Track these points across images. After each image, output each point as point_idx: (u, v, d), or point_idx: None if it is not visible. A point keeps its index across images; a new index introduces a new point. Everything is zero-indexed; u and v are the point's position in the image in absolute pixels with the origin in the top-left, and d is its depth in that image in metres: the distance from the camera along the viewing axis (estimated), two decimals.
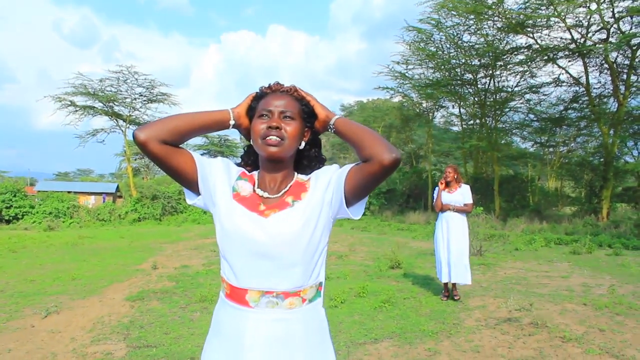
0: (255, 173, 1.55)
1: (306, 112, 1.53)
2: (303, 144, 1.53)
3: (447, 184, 6.63)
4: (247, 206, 1.44)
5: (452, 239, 6.46)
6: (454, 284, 6.50)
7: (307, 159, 1.60)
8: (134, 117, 33.55)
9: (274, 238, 1.38)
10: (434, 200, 6.83)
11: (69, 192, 31.03)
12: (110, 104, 32.13)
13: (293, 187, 1.50)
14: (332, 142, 45.08)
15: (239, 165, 1.62)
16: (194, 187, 1.47)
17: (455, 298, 6.39)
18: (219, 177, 1.48)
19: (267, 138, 1.43)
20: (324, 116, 1.51)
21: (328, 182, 1.47)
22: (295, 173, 1.56)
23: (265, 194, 1.47)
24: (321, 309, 1.50)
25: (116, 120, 33.16)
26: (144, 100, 33.53)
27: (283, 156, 1.46)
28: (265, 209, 1.43)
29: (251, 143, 1.54)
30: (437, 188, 6.82)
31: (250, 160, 1.60)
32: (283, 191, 1.48)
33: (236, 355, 1.37)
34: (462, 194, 6.55)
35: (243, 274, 1.39)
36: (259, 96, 1.53)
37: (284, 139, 1.44)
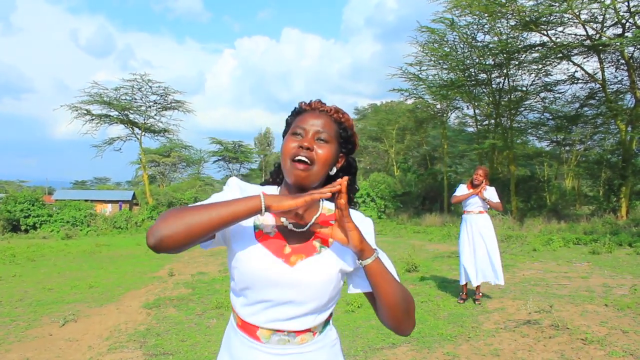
0: (275, 194, 1.45)
1: (343, 137, 1.44)
2: (335, 170, 1.44)
3: (473, 186, 6.57)
4: (272, 249, 1.34)
5: (486, 242, 6.44)
6: (477, 287, 6.43)
7: None
8: (149, 124, 33.86)
9: (298, 287, 1.31)
10: (454, 193, 6.80)
11: (86, 200, 31.33)
12: (126, 112, 32.43)
13: (320, 220, 1.41)
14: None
15: (264, 183, 1.55)
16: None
17: (477, 302, 6.31)
18: None
19: (296, 159, 1.33)
20: (358, 246, 1.28)
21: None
22: (322, 201, 1.47)
23: (290, 225, 1.39)
24: (332, 333, 1.45)
25: (132, 128, 33.45)
26: (159, 108, 33.81)
27: (309, 183, 1.35)
28: (290, 252, 1.34)
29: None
30: (460, 185, 6.79)
31: (278, 178, 1.53)
32: (309, 224, 1.39)
33: None
34: (489, 196, 6.53)
35: (257, 314, 1.34)
36: (297, 112, 1.46)
37: (313, 164, 1.34)
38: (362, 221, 1.44)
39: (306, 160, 1.33)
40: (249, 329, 1.35)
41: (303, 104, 1.46)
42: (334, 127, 1.42)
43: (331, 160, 1.39)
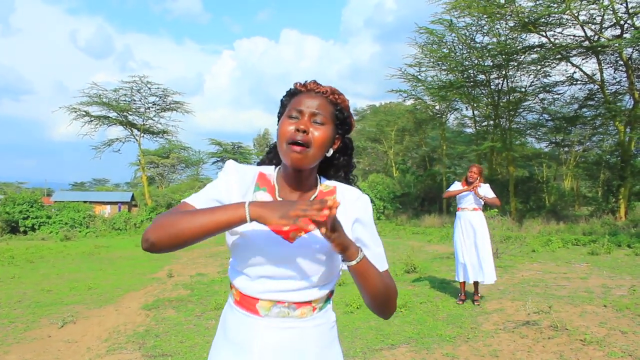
0: (273, 175, 1.47)
1: (339, 118, 1.43)
2: (331, 151, 1.44)
3: (468, 184, 6.59)
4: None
5: (478, 239, 6.45)
6: (476, 286, 6.43)
7: (335, 168, 1.52)
8: (147, 126, 33.86)
9: (299, 263, 1.33)
10: (448, 189, 6.85)
11: (85, 202, 31.39)
12: (125, 113, 32.42)
13: (317, 198, 1.40)
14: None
15: (260, 163, 1.56)
16: None
17: (476, 303, 6.30)
18: (236, 199, 1.38)
19: (293, 142, 1.33)
20: (340, 253, 1.28)
21: (352, 222, 1.39)
22: (319, 179, 1.48)
23: None
24: (331, 314, 1.46)
25: (131, 129, 33.46)
26: (158, 109, 33.81)
27: (306, 166, 1.36)
28: (290, 229, 1.34)
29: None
30: (455, 182, 6.82)
31: (275, 159, 1.53)
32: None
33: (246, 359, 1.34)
34: (484, 193, 6.55)
35: (257, 286, 1.35)
36: (292, 93, 1.44)
37: (310, 146, 1.34)
38: (357, 199, 1.44)
39: (302, 143, 1.33)
40: (248, 302, 1.36)
41: (298, 84, 1.45)
42: (330, 109, 1.41)
43: (327, 142, 1.39)
